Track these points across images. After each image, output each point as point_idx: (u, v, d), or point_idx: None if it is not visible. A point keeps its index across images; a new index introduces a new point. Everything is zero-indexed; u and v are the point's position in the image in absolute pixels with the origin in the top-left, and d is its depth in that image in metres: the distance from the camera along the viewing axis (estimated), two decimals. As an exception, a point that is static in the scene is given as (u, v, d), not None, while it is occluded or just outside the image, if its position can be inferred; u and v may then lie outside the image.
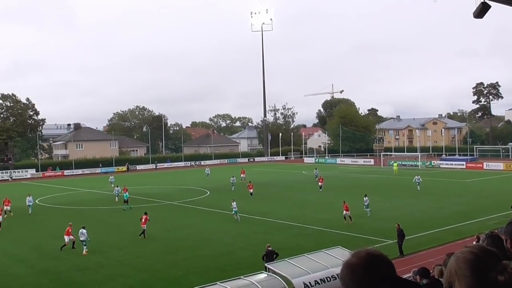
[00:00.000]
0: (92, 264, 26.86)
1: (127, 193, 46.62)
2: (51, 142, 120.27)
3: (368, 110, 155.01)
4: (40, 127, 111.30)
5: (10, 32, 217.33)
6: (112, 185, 60.59)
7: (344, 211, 35.63)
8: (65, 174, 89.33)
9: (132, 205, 45.83)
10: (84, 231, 29.15)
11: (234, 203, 38.07)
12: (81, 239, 29.17)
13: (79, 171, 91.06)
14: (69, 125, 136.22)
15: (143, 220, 32.71)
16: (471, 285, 1.88)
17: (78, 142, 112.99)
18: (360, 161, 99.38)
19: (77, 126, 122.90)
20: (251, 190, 50.47)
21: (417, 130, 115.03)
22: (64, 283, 24.01)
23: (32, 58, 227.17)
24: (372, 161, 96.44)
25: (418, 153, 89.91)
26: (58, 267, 26.52)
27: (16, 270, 26.34)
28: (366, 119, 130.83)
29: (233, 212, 37.98)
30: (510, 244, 2.71)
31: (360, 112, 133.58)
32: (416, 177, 54.81)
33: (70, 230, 30.13)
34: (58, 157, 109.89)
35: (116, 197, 50.09)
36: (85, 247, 28.93)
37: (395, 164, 77.07)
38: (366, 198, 38.98)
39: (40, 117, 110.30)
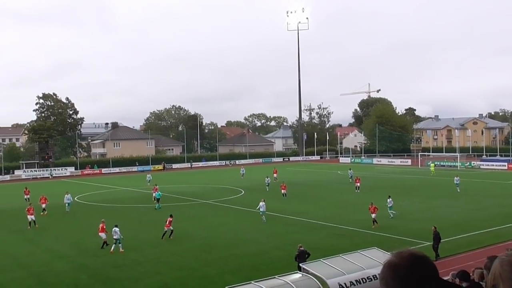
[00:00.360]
0: (128, 261, 27.29)
1: (158, 192, 47.05)
2: (90, 140, 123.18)
3: (406, 109, 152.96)
4: (79, 126, 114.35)
5: (51, 33, 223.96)
6: (149, 184, 61.63)
7: (372, 214, 34.59)
8: (102, 172, 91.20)
9: (168, 203, 46.40)
10: (117, 229, 29.23)
11: (262, 203, 37.36)
12: (114, 237, 29.26)
13: (116, 170, 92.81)
14: (106, 124, 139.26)
15: (167, 222, 32.51)
16: (516, 288, 1.82)
17: (116, 141, 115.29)
18: (397, 161, 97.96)
19: (115, 125, 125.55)
20: (284, 191, 50.06)
21: (456, 130, 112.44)
22: (102, 279, 24.48)
23: (72, 58, 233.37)
24: (409, 162, 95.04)
25: (457, 154, 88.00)
26: (96, 264, 27.05)
27: (55, 265, 26.98)
28: (403, 119, 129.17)
29: (260, 212, 37.41)
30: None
31: (397, 112, 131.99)
32: (455, 178, 53.60)
33: (104, 227, 30.55)
34: (96, 155, 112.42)
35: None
36: (120, 245, 29.17)
37: (432, 165, 75.76)
38: (390, 199, 37.76)
39: (79, 116, 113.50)
